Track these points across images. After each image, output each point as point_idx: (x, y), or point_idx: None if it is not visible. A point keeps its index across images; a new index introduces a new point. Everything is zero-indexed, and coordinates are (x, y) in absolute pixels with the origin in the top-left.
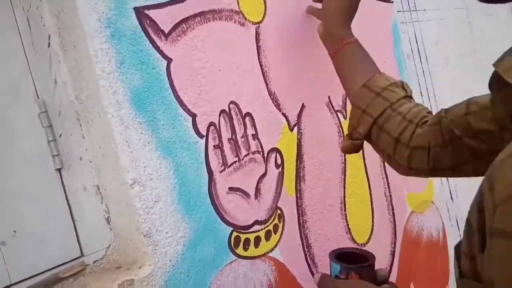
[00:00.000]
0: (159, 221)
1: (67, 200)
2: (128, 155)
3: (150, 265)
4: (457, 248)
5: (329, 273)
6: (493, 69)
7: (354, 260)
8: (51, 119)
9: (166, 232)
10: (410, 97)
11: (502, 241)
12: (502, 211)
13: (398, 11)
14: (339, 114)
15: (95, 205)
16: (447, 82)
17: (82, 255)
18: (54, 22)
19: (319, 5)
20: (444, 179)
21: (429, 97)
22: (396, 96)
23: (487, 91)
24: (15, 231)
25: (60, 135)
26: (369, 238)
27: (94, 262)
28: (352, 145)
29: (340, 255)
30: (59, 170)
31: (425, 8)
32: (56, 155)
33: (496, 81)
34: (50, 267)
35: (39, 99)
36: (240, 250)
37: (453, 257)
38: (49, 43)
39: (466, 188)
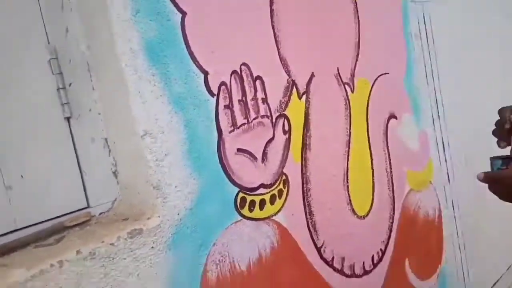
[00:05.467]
0: (169, 175)
1: (75, 150)
2: (140, 106)
3: (159, 216)
4: None
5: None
6: None
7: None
8: (61, 67)
9: (175, 186)
10: None
11: None
12: None
13: None
14: (346, 86)
15: (102, 158)
16: (451, 64)
17: (88, 206)
18: None
19: None
20: (443, 161)
21: (433, 77)
22: None
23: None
24: (22, 176)
25: (70, 84)
26: (369, 211)
27: (100, 214)
28: None
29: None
30: (68, 119)
31: None
32: (65, 103)
33: None
34: (55, 215)
35: (49, 44)
36: (245, 211)
37: None
38: None
39: (463, 173)
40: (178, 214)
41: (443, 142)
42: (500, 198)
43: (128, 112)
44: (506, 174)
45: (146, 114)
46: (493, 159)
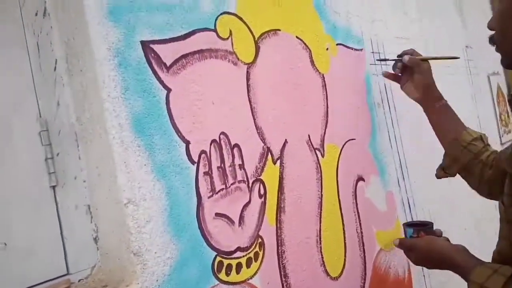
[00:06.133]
0: (149, 241)
1: (59, 217)
2: (125, 175)
3: (138, 283)
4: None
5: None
6: None
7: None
8: (51, 138)
9: (155, 252)
10: (488, 144)
11: None
12: None
13: (370, 64)
14: (317, 151)
15: (84, 224)
16: (412, 128)
17: (68, 273)
18: (63, 48)
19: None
20: (409, 219)
21: (396, 141)
22: (477, 149)
23: None
24: (5, 244)
25: (58, 154)
26: (341, 272)
27: (79, 280)
28: (445, 175)
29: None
30: (53, 187)
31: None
32: (52, 172)
33: None
34: (36, 282)
35: (41, 118)
36: (222, 275)
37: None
38: (55, 67)
39: None
40: (157, 280)
41: (408, 202)
42: (414, 264)
43: (114, 181)
44: (418, 244)
45: (131, 182)
46: (406, 226)
